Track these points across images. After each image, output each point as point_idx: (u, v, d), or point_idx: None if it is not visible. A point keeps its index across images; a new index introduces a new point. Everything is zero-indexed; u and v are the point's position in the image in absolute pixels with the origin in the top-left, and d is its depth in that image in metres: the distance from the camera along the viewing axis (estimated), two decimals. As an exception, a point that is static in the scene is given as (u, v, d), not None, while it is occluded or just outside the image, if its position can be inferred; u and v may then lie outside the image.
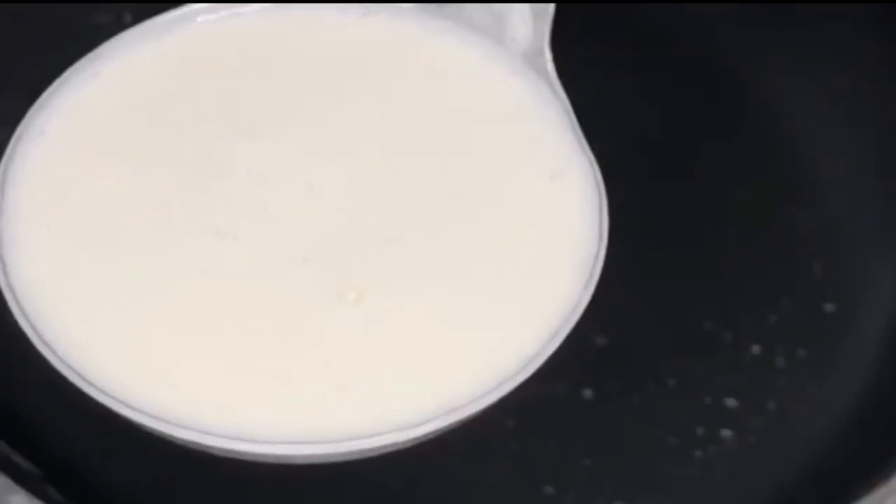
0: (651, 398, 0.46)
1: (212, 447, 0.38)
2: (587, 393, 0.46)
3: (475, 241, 0.41)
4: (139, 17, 0.53)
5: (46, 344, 0.39)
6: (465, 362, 0.39)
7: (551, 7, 0.44)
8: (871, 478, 0.41)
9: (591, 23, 0.49)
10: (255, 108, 0.44)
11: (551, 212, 0.42)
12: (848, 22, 0.48)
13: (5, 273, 0.40)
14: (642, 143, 0.51)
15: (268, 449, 0.38)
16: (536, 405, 0.46)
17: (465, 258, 0.41)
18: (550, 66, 0.44)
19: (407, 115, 0.44)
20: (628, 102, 0.51)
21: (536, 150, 0.43)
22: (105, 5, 0.53)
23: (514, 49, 0.45)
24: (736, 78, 0.53)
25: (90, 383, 0.39)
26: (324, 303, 0.40)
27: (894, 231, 0.50)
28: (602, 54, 0.52)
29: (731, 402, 0.46)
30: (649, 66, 0.53)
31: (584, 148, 0.43)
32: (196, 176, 0.42)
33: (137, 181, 0.42)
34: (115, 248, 0.41)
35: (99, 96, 0.44)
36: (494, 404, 0.39)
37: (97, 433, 0.45)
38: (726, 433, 0.46)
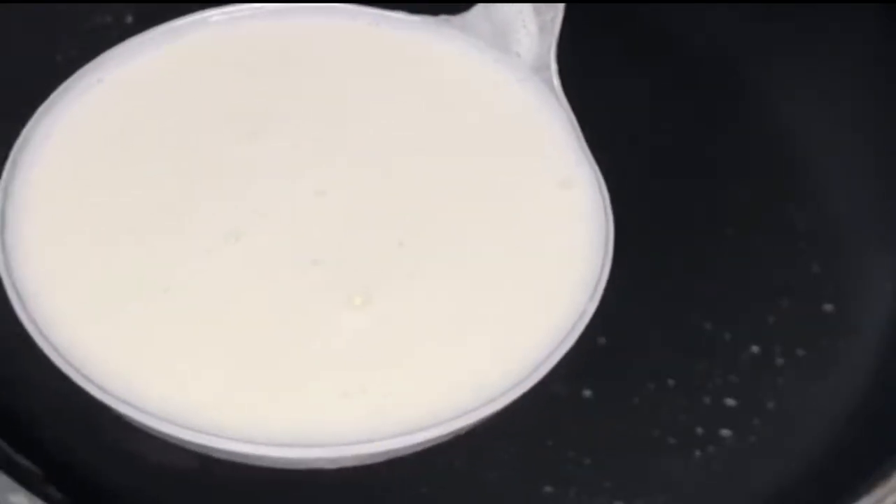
0: (651, 398, 0.46)
1: (214, 449, 0.38)
2: (587, 393, 0.46)
3: (482, 247, 0.42)
4: (139, 18, 0.53)
5: (50, 344, 0.39)
6: (471, 367, 0.40)
7: (558, 21, 0.45)
8: (871, 477, 0.41)
9: (588, 24, 0.49)
10: (262, 111, 0.44)
11: (558, 219, 0.42)
12: (848, 22, 0.48)
13: (9, 274, 0.40)
14: (642, 143, 0.51)
15: (272, 452, 0.38)
16: (536, 405, 0.46)
17: (472, 263, 0.41)
18: (556, 80, 0.45)
19: (415, 121, 0.44)
20: (627, 103, 0.51)
21: (543, 159, 0.44)
22: (105, 5, 0.53)
23: (519, 63, 0.46)
24: (736, 78, 0.53)
25: (94, 383, 0.39)
26: (331, 306, 0.40)
27: (893, 231, 0.51)
28: (599, 55, 0.52)
29: (730, 402, 0.46)
30: (648, 68, 0.53)
31: (588, 158, 0.43)
32: (203, 178, 0.43)
33: (144, 183, 0.43)
34: (121, 248, 0.41)
35: (105, 101, 0.45)
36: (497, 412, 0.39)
37: (97, 433, 0.45)
38: (726, 433, 0.46)
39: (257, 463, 0.39)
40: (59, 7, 0.52)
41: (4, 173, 0.43)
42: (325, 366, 0.39)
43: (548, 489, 0.45)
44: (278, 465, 0.39)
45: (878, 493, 0.41)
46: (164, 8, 0.53)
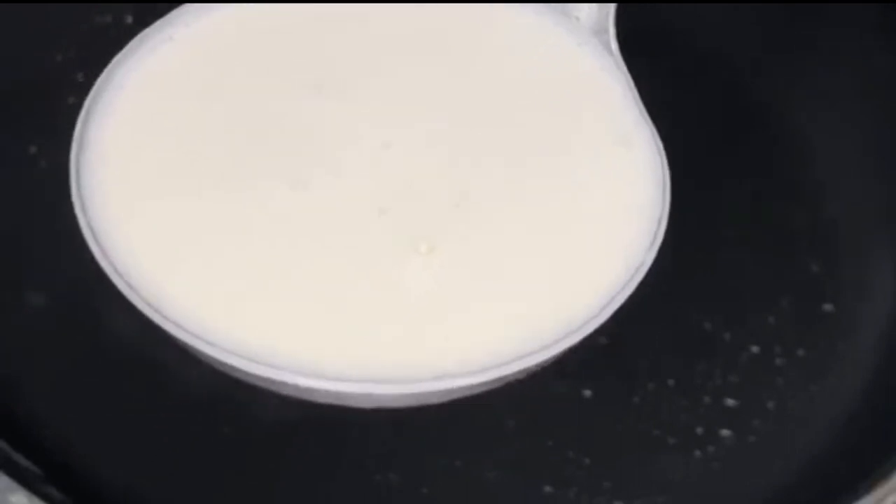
0: (651, 398, 0.46)
1: (281, 382, 0.39)
2: (587, 393, 0.46)
3: (542, 200, 0.43)
4: (139, 18, 0.53)
5: (126, 282, 0.40)
6: (530, 313, 0.41)
7: None
8: (871, 477, 0.41)
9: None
10: (331, 67, 0.46)
11: (616, 176, 0.43)
12: (848, 22, 0.48)
13: (87, 220, 0.42)
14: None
15: (337, 387, 0.39)
16: (536, 405, 0.46)
17: (532, 215, 0.42)
18: (614, 45, 0.46)
19: (476, 80, 0.46)
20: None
21: (602, 118, 0.45)
22: (105, 5, 0.53)
23: (578, 26, 0.47)
24: (735, 79, 0.53)
25: (169, 320, 0.40)
26: (397, 252, 0.41)
27: (893, 231, 0.51)
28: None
29: (730, 402, 0.46)
30: (647, 68, 0.53)
31: (646, 118, 0.44)
32: (272, 129, 0.44)
33: (213, 133, 0.44)
34: (192, 196, 0.42)
35: (176, 56, 0.46)
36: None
37: (97, 433, 0.45)
38: (726, 433, 0.46)
39: (322, 399, 0.40)
40: (59, 7, 0.52)
41: (79, 123, 0.44)
42: (391, 308, 0.41)
43: (548, 489, 0.45)
44: (338, 402, 0.40)
45: (878, 493, 0.41)
46: (164, 8, 0.53)
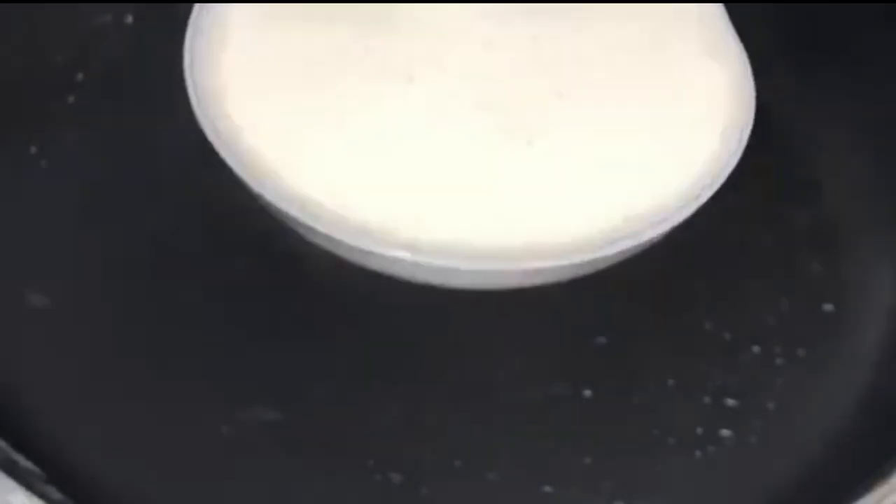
0: (651, 398, 0.46)
1: (397, 258, 0.42)
2: (587, 393, 0.46)
3: (635, 100, 0.45)
4: (139, 18, 0.53)
5: (249, 171, 0.43)
6: (624, 202, 0.43)
7: None
8: (871, 478, 0.41)
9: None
10: None
11: (705, 83, 0.46)
12: (848, 21, 0.48)
13: (206, 115, 0.43)
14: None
15: (440, 262, 0.41)
16: (536, 405, 0.46)
17: (625, 113, 0.45)
18: None
19: None
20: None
21: (692, 29, 0.47)
22: (105, 5, 0.53)
23: None
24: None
25: (273, 193, 0.42)
26: (498, 143, 0.44)
27: (893, 231, 0.51)
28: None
29: (730, 402, 0.46)
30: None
31: (734, 35, 0.47)
32: (377, 29, 0.46)
33: (322, 28, 0.46)
34: (301, 89, 0.44)
35: None
36: None
37: (97, 433, 0.45)
38: (726, 433, 0.46)
39: (410, 276, 0.43)
40: (59, 7, 0.52)
41: (194, 10, 0.46)
42: (492, 194, 0.43)
43: (548, 489, 0.45)
44: (443, 281, 0.43)
45: (878, 492, 0.41)
46: (164, 8, 0.53)
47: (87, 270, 0.48)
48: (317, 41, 0.45)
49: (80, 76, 0.52)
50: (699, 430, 0.46)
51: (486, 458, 0.45)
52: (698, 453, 0.45)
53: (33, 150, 0.50)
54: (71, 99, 0.52)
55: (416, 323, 0.47)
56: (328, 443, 0.45)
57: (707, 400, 0.46)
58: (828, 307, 0.49)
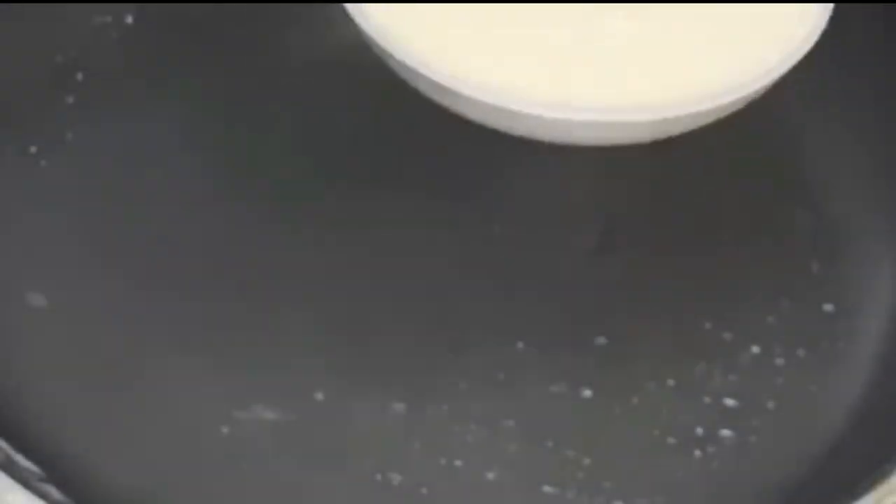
0: (651, 398, 0.46)
1: (504, 108, 0.43)
2: (587, 393, 0.46)
3: None
4: (139, 18, 0.53)
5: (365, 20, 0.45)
6: (728, 57, 0.45)
7: None
8: (871, 477, 0.41)
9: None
10: None
11: None
12: (849, 22, 0.48)
13: None
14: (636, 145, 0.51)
15: (560, 114, 0.43)
16: (536, 405, 0.46)
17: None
18: None
19: None
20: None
21: None
22: (105, 5, 0.53)
23: None
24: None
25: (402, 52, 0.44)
26: (605, 14, 0.46)
27: (893, 231, 0.51)
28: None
29: (730, 402, 0.46)
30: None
31: None
32: None
33: None
34: None
35: None
36: None
37: (97, 433, 0.45)
38: (726, 433, 0.46)
39: (524, 131, 0.45)
40: (59, 7, 0.52)
41: None
42: (596, 51, 0.45)
43: (548, 489, 0.45)
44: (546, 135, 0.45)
45: (878, 493, 0.41)
46: (164, 8, 0.53)
47: (87, 270, 0.48)
48: None
49: (80, 76, 0.52)
50: (699, 430, 0.46)
51: (486, 458, 0.45)
52: (698, 453, 0.45)
53: (33, 150, 0.50)
54: (71, 99, 0.52)
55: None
56: (328, 443, 0.45)
57: (707, 400, 0.46)
58: (828, 307, 0.49)
